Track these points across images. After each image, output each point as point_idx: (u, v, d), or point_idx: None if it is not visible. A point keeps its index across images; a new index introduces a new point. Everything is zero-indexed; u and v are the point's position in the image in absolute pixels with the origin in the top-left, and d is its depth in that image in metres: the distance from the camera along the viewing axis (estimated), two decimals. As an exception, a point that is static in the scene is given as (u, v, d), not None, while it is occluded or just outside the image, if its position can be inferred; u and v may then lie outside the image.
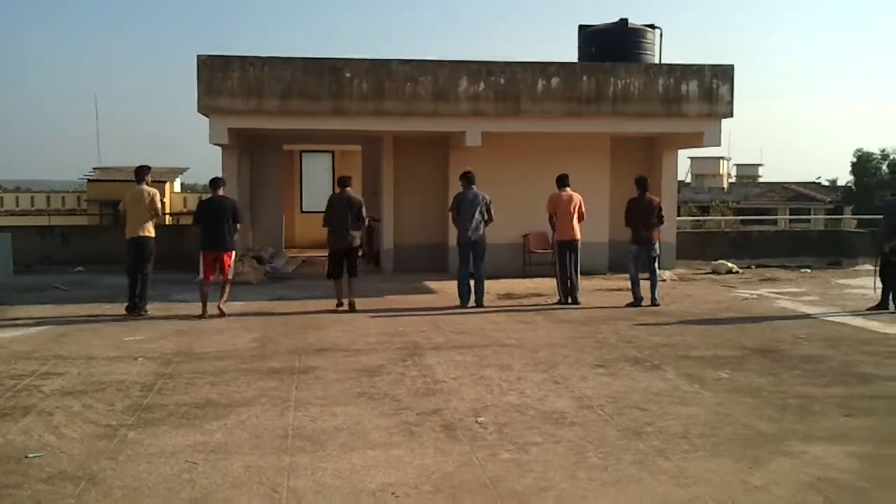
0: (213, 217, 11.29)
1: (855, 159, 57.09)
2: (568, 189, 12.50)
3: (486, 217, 12.20)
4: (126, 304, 11.40)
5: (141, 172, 11.73)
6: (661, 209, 12.50)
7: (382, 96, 14.63)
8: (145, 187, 11.53)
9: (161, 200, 11.54)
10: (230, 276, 11.55)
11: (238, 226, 11.51)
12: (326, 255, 12.36)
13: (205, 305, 11.17)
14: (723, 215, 39.06)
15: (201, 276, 11.37)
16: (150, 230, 11.42)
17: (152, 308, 11.60)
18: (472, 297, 12.24)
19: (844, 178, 62.46)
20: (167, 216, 35.12)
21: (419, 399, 6.88)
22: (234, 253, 11.58)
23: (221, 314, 11.11)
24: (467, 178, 12.37)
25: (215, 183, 11.66)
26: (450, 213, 12.46)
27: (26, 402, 6.71)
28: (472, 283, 12.25)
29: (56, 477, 5.03)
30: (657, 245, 12.52)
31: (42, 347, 8.99)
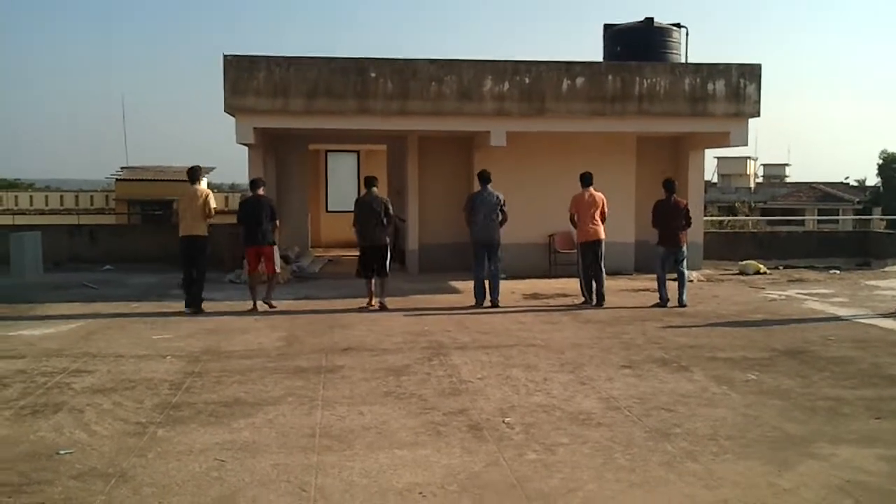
0: (252, 214, 11.75)
1: (881, 161, 56.37)
2: (591, 188, 12.44)
3: (500, 216, 12.19)
4: (184, 300, 11.74)
5: (194, 173, 11.99)
6: (688, 212, 12.44)
7: (407, 96, 14.65)
8: (199, 187, 11.84)
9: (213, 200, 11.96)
10: (276, 270, 12.00)
11: (276, 223, 11.96)
12: (353, 254, 12.47)
13: (255, 300, 11.74)
14: (746, 216, 38.68)
15: (247, 271, 12.05)
16: (203, 229, 11.71)
17: (182, 306, 11.76)
18: (488, 296, 12.24)
19: (873, 178, 61.73)
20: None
21: (445, 399, 6.89)
22: (275, 248, 11.96)
23: (270, 308, 11.69)
24: (483, 178, 12.37)
25: (255, 183, 12.10)
26: (464, 213, 12.44)
27: (57, 400, 6.80)
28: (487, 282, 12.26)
29: (86, 474, 5.10)
30: (685, 247, 12.45)
31: (72, 345, 9.10)
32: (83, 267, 17.20)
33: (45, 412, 6.44)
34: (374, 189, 12.11)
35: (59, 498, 4.73)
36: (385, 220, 11.92)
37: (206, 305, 11.72)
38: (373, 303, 11.98)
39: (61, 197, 48.67)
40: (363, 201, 12.09)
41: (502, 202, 12.19)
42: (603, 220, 12.41)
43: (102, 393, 7.03)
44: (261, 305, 11.74)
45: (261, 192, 11.95)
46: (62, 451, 5.49)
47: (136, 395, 6.95)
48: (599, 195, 12.41)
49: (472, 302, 12.29)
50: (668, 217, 12.29)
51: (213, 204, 11.72)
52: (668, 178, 12.90)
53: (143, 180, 38.97)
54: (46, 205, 46.26)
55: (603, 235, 12.40)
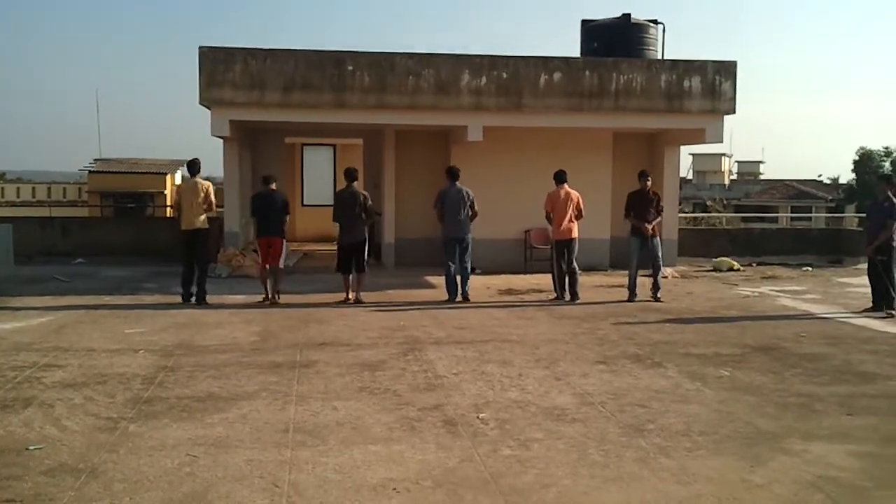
0: (263, 207, 11.98)
1: (857, 157, 56.98)
2: (566, 186, 12.49)
3: (470, 212, 12.20)
4: (181, 294, 11.75)
5: (194, 165, 12.02)
6: (659, 200, 12.60)
7: (384, 90, 14.60)
8: (199, 180, 11.88)
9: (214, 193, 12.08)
10: (281, 264, 12.12)
11: (287, 217, 12.15)
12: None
13: (266, 290, 11.92)
14: (718, 213, 38.87)
15: (258, 263, 12.39)
16: (204, 222, 11.82)
17: (158, 299, 11.80)
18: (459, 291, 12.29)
19: (846, 176, 62.42)
20: (168, 208, 35.13)
21: (420, 394, 6.87)
22: (284, 241, 12.13)
23: (276, 300, 11.81)
24: (451, 174, 12.37)
25: (267, 179, 12.22)
26: (435, 210, 12.44)
27: (27, 394, 6.71)
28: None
29: (57, 469, 5.03)
30: (657, 239, 12.53)
31: (43, 339, 8.99)
32: (55, 260, 16.99)
33: (15, 407, 6.35)
34: (355, 183, 12.10)
35: (29, 494, 4.66)
36: (364, 215, 11.91)
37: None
38: (350, 297, 11.96)
39: (33, 189, 48.16)
40: (343, 196, 12.06)
41: (472, 198, 12.20)
42: (579, 217, 12.46)
43: (73, 387, 6.95)
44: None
45: (273, 186, 12.11)
46: (32, 447, 5.41)
47: (107, 390, 6.88)
48: (575, 193, 12.45)
49: (447, 297, 12.30)
50: (641, 205, 12.40)
51: (213, 197, 11.82)
52: (643, 169, 13.02)
53: (116, 172, 38.57)
54: (18, 197, 45.77)
55: (576, 234, 12.45)
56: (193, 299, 11.65)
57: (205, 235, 11.84)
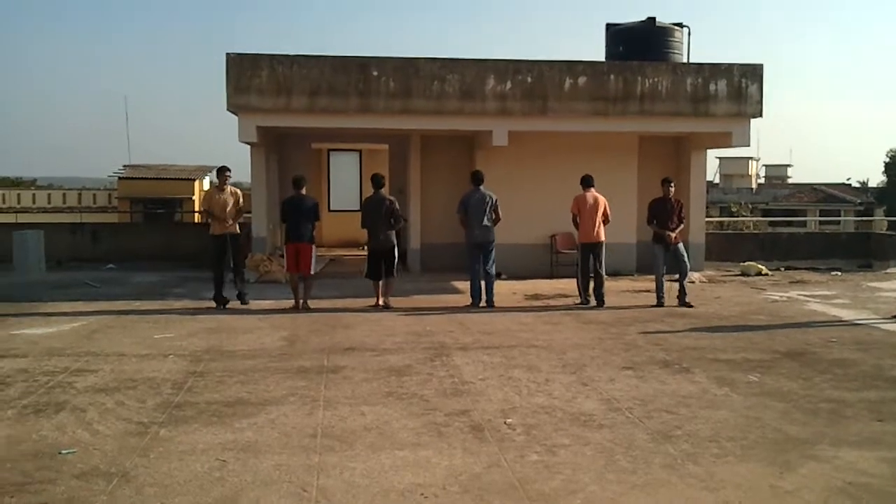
0: (293, 212, 11.97)
1: (888, 159, 56.17)
2: (593, 190, 12.45)
3: (493, 216, 12.20)
4: (213, 296, 11.97)
5: (223, 172, 12.22)
6: (682, 208, 12.58)
7: (410, 94, 14.66)
8: (229, 186, 12.11)
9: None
10: (312, 271, 12.12)
11: (317, 222, 12.18)
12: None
13: (297, 297, 11.91)
14: (743, 217, 38.53)
15: (286, 269, 12.36)
16: (236, 227, 12.07)
17: (187, 305, 11.98)
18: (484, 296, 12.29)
19: (875, 179, 61.59)
20: (196, 214, 35.43)
21: (447, 399, 6.89)
22: (313, 247, 12.12)
23: (307, 308, 11.78)
24: (475, 178, 12.38)
25: (298, 182, 12.22)
26: (458, 215, 12.44)
27: (59, 399, 6.81)
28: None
29: (89, 473, 5.10)
30: (681, 245, 12.47)
31: (74, 344, 9.11)
32: (85, 265, 17.22)
33: (48, 411, 6.45)
34: (382, 190, 12.15)
35: (62, 497, 4.73)
36: (393, 221, 11.97)
37: (213, 304, 11.93)
38: (380, 302, 12.03)
39: (64, 195, 48.68)
40: (371, 202, 12.13)
41: (495, 202, 12.20)
42: (606, 221, 12.43)
43: (105, 392, 7.04)
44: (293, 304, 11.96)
45: (303, 190, 12.14)
46: (64, 451, 5.49)
47: (138, 395, 6.96)
48: (602, 198, 12.42)
49: (471, 302, 12.31)
50: (663, 214, 12.37)
51: (241, 203, 12.13)
52: (666, 177, 12.97)
53: (145, 178, 39.01)
54: (49, 203, 46.29)
55: (603, 238, 12.41)
56: (229, 304, 11.87)
57: (237, 240, 12.08)
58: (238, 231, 12.13)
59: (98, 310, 11.59)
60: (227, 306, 11.84)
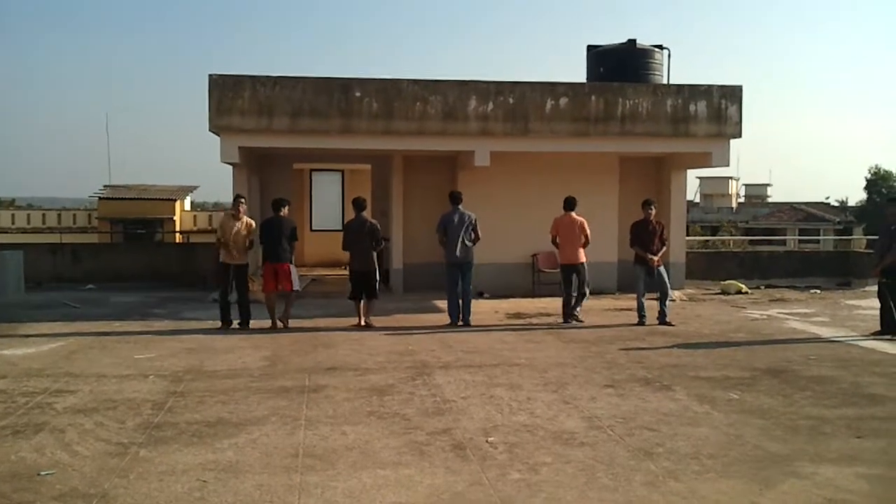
0: (271, 233, 12.01)
1: (870, 175, 56.67)
2: (573, 213, 12.53)
3: (472, 236, 12.26)
4: (220, 321, 12.00)
5: (238, 200, 12.30)
6: (663, 231, 12.62)
7: (392, 115, 14.70)
8: (246, 218, 12.17)
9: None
10: (295, 287, 12.15)
11: (294, 243, 12.20)
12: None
13: (273, 318, 11.96)
14: (731, 235, 38.91)
15: (263, 288, 12.32)
16: (245, 258, 12.11)
17: (168, 325, 11.99)
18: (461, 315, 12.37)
19: (856, 196, 62.16)
20: (177, 234, 35.28)
21: (429, 418, 6.89)
22: (291, 266, 12.13)
23: (285, 326, 11.90)
24: (453, 198, 12.46)
25: (277, 204, 12.23)
26: (437, 235, 12.50)
27: (38, 420, 6.75)
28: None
29: (68, 495, 5.06)
30: (662, 268, 12.55)
31: (53, 365, 9.04)
32: (65, 286, 17.08)
33: (27, 432, 6.39)
34: (364, 213, 12.21)
35: (40, 519, 4.69)
36: (375, 244, 12.02)
37: (193, 324, 12.04)
38: (361, 322, 12.06)
39: (43, 215, 48.28)
40: (353, 225, 12.20)
41: (474, 222, 12.27)
42: (586, 243, 12.49)
43: (84, 413, 6.98)
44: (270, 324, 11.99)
45: (282, 212, 12.13)
46: (43, 472, 5.45)
47: (118, 416, 6.91)
48: (580, 219, 12.49)
49: (449, 321, 12.34)
50: (645, 236, 12.42)
51: (254, 234, 12.17)
52: (647, 198, 13.02)
53: (125, 199, 38.84)
54: (28, 223, 45.92)
55: (583, 259, 12.48)
56: (235, 324, 11.95)
57: (245, 269, 12.15)
58: (246, 262, 12.16)
59: (78, 330, 11.50)
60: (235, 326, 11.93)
